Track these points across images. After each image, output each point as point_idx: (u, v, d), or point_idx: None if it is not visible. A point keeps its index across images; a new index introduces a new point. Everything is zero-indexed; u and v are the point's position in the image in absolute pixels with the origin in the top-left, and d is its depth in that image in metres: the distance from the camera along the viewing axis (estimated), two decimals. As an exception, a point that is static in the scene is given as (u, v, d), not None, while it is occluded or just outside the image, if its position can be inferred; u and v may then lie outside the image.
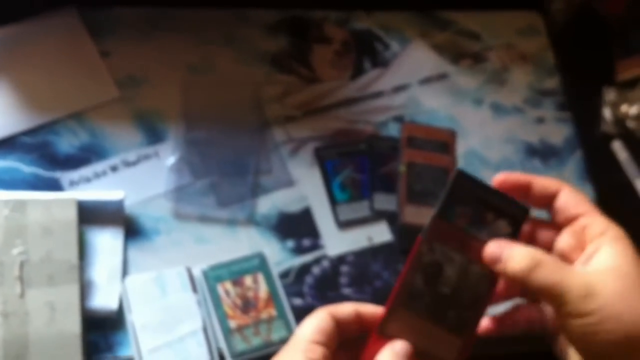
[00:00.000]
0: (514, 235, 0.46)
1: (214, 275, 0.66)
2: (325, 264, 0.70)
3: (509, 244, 0.45)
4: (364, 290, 0.70)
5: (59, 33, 0.76)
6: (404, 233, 0.72)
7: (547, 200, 0.47)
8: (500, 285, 0.47)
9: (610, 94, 0.82)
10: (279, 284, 0.67)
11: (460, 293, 0.45)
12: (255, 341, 0.64)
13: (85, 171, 0.70)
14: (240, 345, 0.63)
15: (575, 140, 0.81)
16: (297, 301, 0.68)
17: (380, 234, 0.72)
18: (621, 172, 0.79)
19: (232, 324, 0.64)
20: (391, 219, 0.73)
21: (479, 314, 0.45)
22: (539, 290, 0.43)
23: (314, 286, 0.69)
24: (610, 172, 0.80)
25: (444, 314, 0.45)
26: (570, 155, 0.80)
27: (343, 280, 0.70)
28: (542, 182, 0.48)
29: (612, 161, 0.80)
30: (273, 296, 0.66)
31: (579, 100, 0.83)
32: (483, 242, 0.45)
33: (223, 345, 0.63)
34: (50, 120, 0.72)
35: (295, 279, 0.69)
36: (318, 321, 0.45)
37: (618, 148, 0.80)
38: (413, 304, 0.45)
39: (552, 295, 0.43)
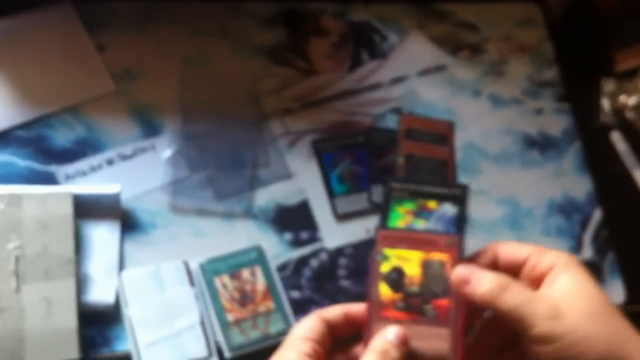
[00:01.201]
0: (462, 213, 0.46)
1: (212, 269, 0.66)
2: (323, 256, 0.70)
3: (477, 269, 0.45)
4: (362, 282, 0.69)
5: (54, 26, 0.75)
6: (403, 225, 0.72)
7: (494, 267, 0.47)
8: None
9: (608, 85, 0.82)
10: (276, 277, 0.66)
11: (430, 286, 0.46)
12: (253, 334, 0.63)
13: (81, 165, 0.70)
14: (238, 338, 0.63)
15: (574, 131, 0.80)
16: (295, 294, 0.67)
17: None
18: (620, 163, 0.79)
19: (230, 317, 0.64)
20: (389, 211, 0.73)
21: (458, 299, 0.46)
22: (507, 313, 0.43)
23: (312, 279, 0.69)
24: (609, 163, 0.79)
25: (422, 310, 0.46)
26: (569, 146, 0.79)
27: (341, 272, 0.70)
28: (483, 254, 0.48)
29: (611, 152, 0.80)
30: (271, 289, 0.66)
31: (578, 91, 0.83)
32: (433, 232, 0.46)
33: (221, 338, 0.63)
34: (45, 113, 0.71)
35: (293, 272, 0.69)
36: (307, 322, 0.47)
37: (617, 139, 0.80)
38: (390, 312, 0.46)
39: (519, 318, 0.43)
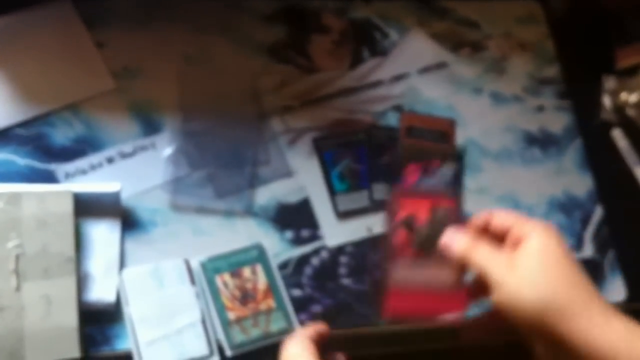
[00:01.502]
0: (460, 171, 0.63)
1: (212, 267, 0.65)
2: (324, 254, 0.70)
3: (458, 233, 0.53)
4: (362, 280, 0.69)
5: (53, 24, 0.75)
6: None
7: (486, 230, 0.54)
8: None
9: (609, 82, 0.82)
10: (277, 276, 0.66)
11: (436, 228, 0.56)
12: (254, 333, 0.63)
13: (81, 163, 0.69)
14: (239, 336, 0.63)
15: (575, 129, 0.80)
16: (296, 292, 0.67)
17: (380, 224, 0.72)
18: (621, 160, 0.79)
19: (231, 315, 0.64)
20: (390, 209, 0.72)
21: None
22: (476, 268, 0.51)
23: (313, 277, 0.68)
24: (610, 160, 0.79)
25: (431, 248, 0.56)
26: (570, 143, 0.79)
27: (342, 270, 0.69)
28: (476, 222, 0.54)
29: (612, 149, 0.80)
30: (272, 288, 0.65)
31: (579, 89, 0.82)
32: (438, 186, 0.62)
33: (222, 337, 0.63)
34: (45, 111, 0.71)
35: (294, 270, 0.68)
36: (298, 342, 0.56)
37: (618, 136, 0.80)
38: (405, 252, 0.56)
39: (484, 271, 0.50)
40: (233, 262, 0.66)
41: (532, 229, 0.50)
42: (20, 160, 0.69)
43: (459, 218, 0.59)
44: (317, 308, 0.67)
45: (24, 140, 0.70)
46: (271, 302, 0.65)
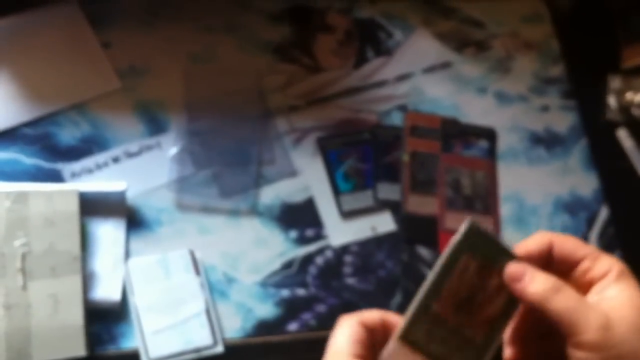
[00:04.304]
0: (493, 145, 0.76)
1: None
2: (329, 254, 0.70)
3: (530, 267, 0.45)
4: (367, 280, 0.69)
5: (59, 24, 0.75)
6: (408, 222, 0.72)
7: (545, 258, 0.46)
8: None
9: (615, 82, 0.81)
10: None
11: (477, 189, 0.71)
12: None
13: (87, 162, 0.70)
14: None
15: (581, 128, 0.80)
16: (301, 291, 0.68)
17: (384, 223, 0.72)
18: (627, 160, 0.79)
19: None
20: (395, 208, 0.72)
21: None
22: (556, 316, 0.43)
23: (318, 276, 0.69)
24: (616, 160, 0.79)
25: (473, 205, 0.69)
26: (576, 143, 0.79)
27: (347, 270, 0.69)
28: (532, 242, 0.47)
29: (618, 149, 0.79)
30: None
31: (584, 88, 0.82)
32: (476, 156, 0.74)
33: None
34: (51, 111, 0.71)
35: (298, 269, 0.69)
36: (351, 332, 0.44)
37: (623, 136, 0.80)
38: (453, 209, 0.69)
39: (570, 323, 0.42)
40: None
41: (608, 269, 0.44)
42: (27, 160, 0.69)
43: (494, 182, 0.72)
44: (321, 307, 0.67)
45: (31, 139, 0.70)
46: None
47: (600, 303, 0.43)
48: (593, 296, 0.44)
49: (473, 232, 0.45)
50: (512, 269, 0.45)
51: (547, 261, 0.46)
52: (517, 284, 0.45)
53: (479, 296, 0.45)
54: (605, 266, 0.45)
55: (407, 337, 0.44)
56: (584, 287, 0.45)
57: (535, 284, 0.44)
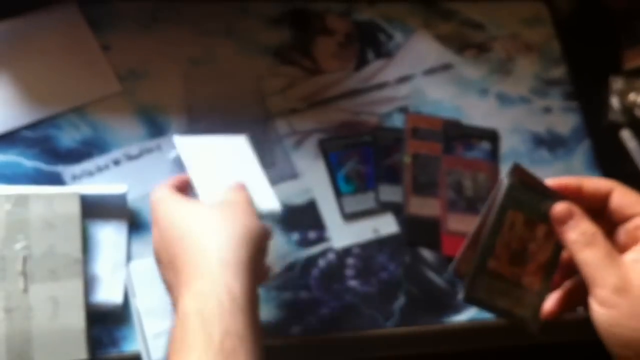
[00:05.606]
0: (495, 147, 0.74)
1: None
2: (331, 256, 0.70)
3: (579, 211, 0.46)
4: (369, 282, 0.69)
5: (59, 27, 0.75)
6: (410, 224, 0.71)
7: (600, 202, 0.48)
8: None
9: (617, 83, 0.81)
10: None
11: (478, 191, 0.69)
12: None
13: (88, 165, 0.70)
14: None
15: (583, 130, 0.80)
16: (303, 294, 0.67)
17: (386, 225, 0.72)
18: (630, 161, 0.79)
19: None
20: (397, 210, 0.72)
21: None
22: (580, 266, 0.45)
23: (320, 279, 0.68)
24: (619, 161, 0.79)
25: (476, 206, 0.66)
26: (578, 144, 0.79)
27: (349, 272, 0.69)
28: (593, 184, 0.48)
29: (621, 150, 0.79)
30: None
31: (586, 90, 0.82)
32: (478, 158, 0.73)
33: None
34: (51, 114, 0.71)
35: (301, 272, 0.68)
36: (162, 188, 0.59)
37: (626, 137, 0.80)
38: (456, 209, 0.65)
39: (588, 276, 0.45)
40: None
41: None
42: (27, 162, 0.69)
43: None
44: (324, 310, 0.67)
45: (31, 142, 0.70)
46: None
47: (636, 262, 0.45)
48: (632, 254, 0.46)
49: (514, 187, 0.46)
50: (558, 209, 0.47)
51: (602, 206, 0.48)
52: (561, 226, 0.47)
53: (530, 246, 0.47)
54: None
55: (472, 297, 0.46)
56: (630, 242, 0.46)
57: (574, 231, 0.46)
